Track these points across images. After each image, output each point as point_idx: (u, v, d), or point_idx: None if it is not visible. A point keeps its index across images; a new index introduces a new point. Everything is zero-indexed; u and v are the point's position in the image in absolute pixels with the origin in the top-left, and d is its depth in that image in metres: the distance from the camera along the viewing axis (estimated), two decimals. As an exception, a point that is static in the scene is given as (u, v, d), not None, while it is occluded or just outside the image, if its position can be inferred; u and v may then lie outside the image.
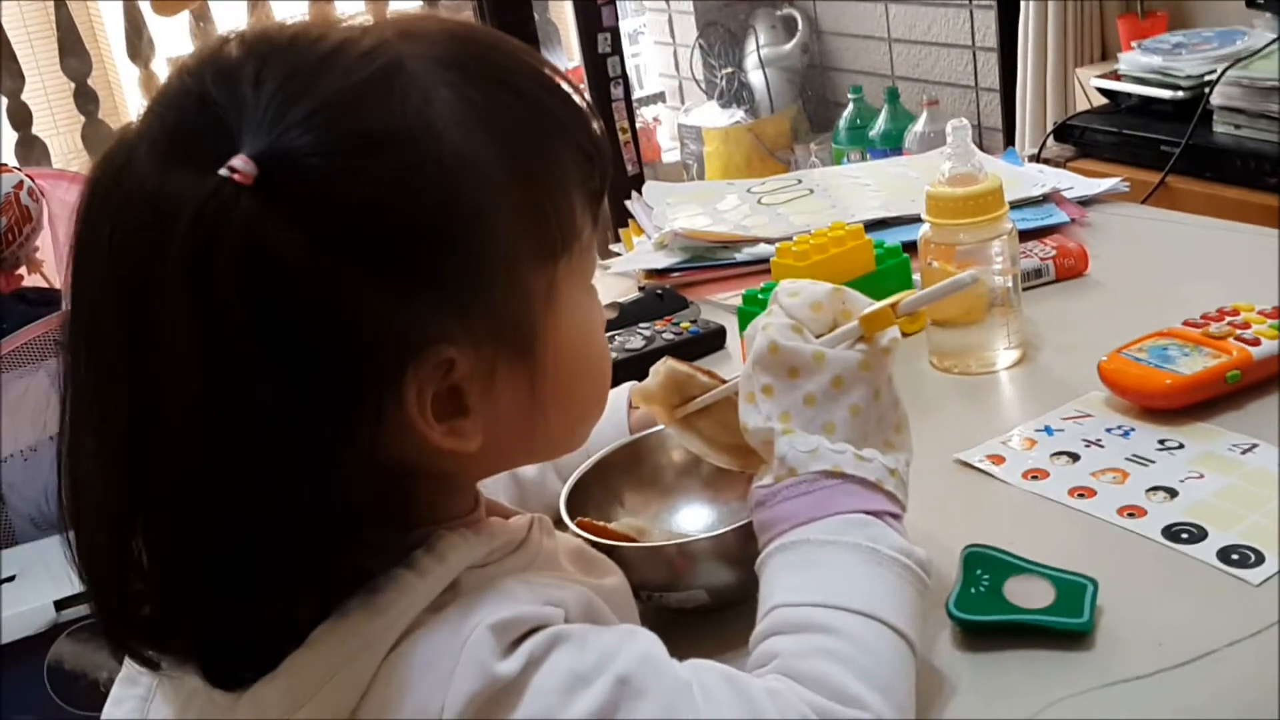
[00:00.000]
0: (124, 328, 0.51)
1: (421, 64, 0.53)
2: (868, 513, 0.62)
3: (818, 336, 0.67)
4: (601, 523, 0.74)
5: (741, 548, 0.68)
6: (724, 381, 0.73)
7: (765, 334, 0.66)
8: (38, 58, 3.16)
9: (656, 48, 3.64)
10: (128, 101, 3.91)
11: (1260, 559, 0.70)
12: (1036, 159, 1.97)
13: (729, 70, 3.30)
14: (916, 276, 1.05)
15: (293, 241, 0.49)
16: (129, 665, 0.63)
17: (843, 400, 0.65)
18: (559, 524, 0.72)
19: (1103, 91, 2.12)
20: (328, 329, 0.50)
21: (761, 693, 0.55)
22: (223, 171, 0.49)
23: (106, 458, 0.53)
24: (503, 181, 0.54)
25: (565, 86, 0.58)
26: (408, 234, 0.51)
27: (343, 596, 0.53)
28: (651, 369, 0.75)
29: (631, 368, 0.96)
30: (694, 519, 0.80)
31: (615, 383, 0.87)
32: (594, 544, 0.70)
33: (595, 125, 0.58)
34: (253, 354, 0.49)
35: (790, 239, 1.08)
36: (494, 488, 0.79)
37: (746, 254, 1.26)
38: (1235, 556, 0.71)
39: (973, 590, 0.68)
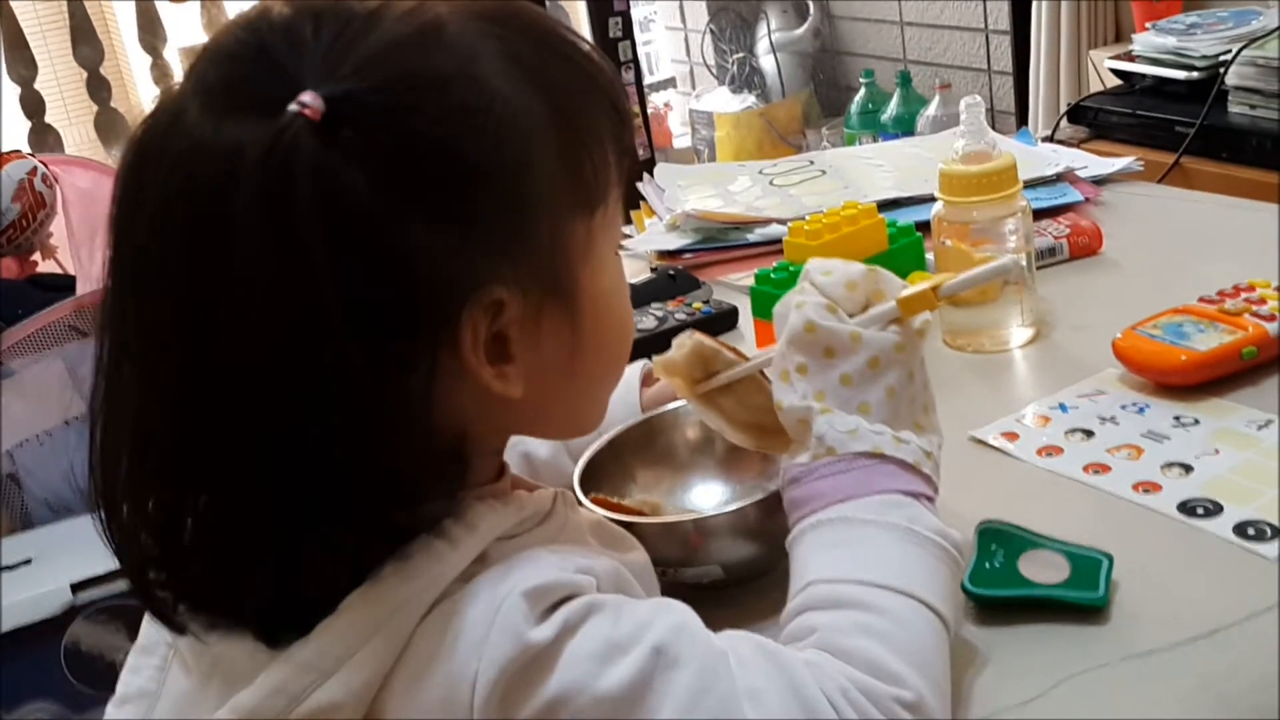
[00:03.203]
0: (187, 268, 0.51)
1: (463, 20, 0.55)
2: (906, 494, 0.62)
3: (851, 316, 0.67)
4: (615, 499, 0.74)
5: (757, 523, 0.68)
6: (749, 360, 0.73)
7: (800, 312, 0.66)
8: (49, 47, 3.17)
9: (667, 33, 3.63)
10: (139, 90, 3.92)
11: (1276, 533, 0.70)
12: (1050, 140, 1.96)
13: (740, 55, 3.29)
14: (930, 256, 1.05)
15: (356, 178, 0.51)
16: (145, 634, 0.64)
17: (879, 382, 0.64)
18: (573, 501, 0.72)
19: (1116, 73, 2.10)
20: (390, 265, 0.52)
21: (799, 664, 0.54)
22: (293, 107, 0.50)
23: (158, 404, 0.53)
24: (546, 129, 0.55)
25: (588, 48, 0.60)
26: (459, 173, 0.53)
27: (383, 555, 0.53)
28: (675, 341, 0.74)
29: (644, 348, 0.96)
30: (707, 496, 0.80)
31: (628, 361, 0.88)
32: (611, 519, 0.70)
33: (619, 84, 0.60)
34: (325, 287, 0.50)
35: (803, 219, 1.08)
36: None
37: (758, 234, 1.26)
38: (1251, 531, 0.71)
39: (987, 565, 0.68)
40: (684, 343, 0.74)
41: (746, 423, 0.72)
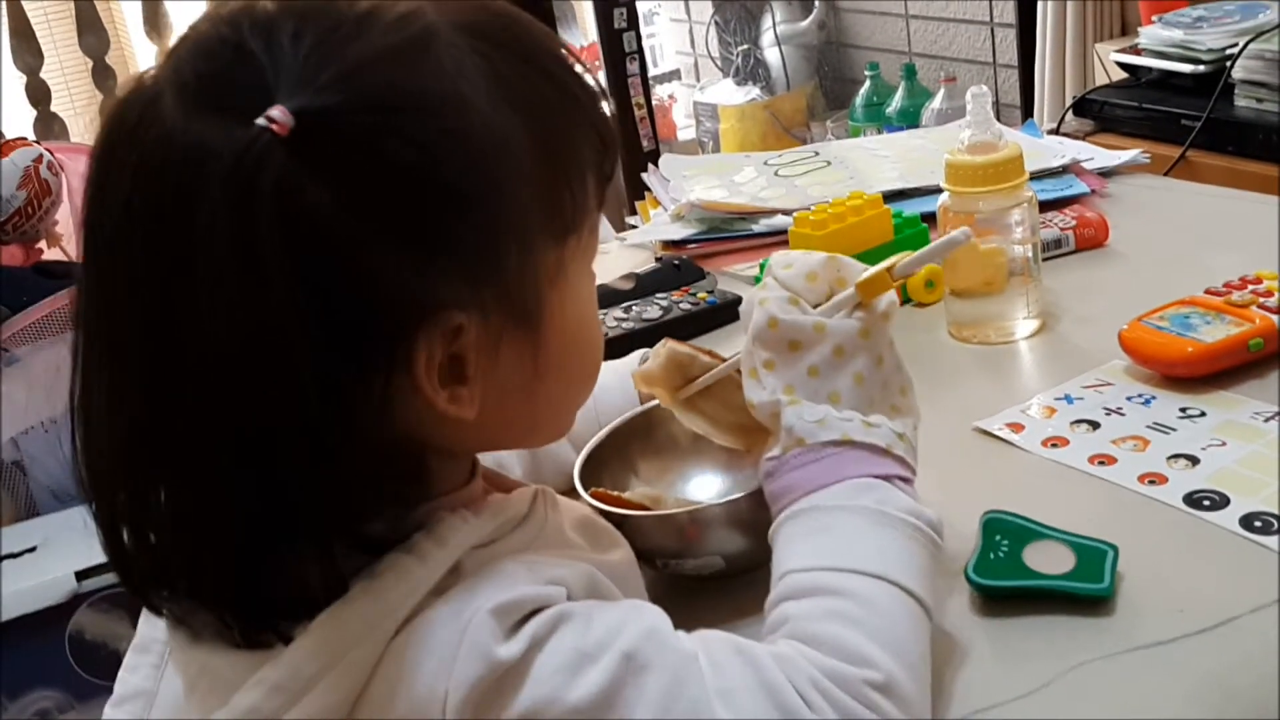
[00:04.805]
0: (149, 269, 0.51)
1: (453, 33, 0.54)
2: (876, 477, 0.62)
3: (815, 306, 0.66)
4: (616, 492, 0.74)
5: (755, 514, 0.68)
6: (724, 360, 0.73)
7: (763, 309, 0.66)
8: (55, 36, 3.17)
9: (672, 25, 3.63)
10: (144, 81, 3.90)
11: (1283, 525, 0.70)
12: (1055, 133, 1.96)
13: (745, 47, 3.28)
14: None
15: (321, 196, 0.50)
16: (141, 633, 0.64)
17: (846, 369, 0.64)
18: (573, 494, 0.71)
19: (1123, 66, 2.09)
20: (348, 283, 0.51)
21: (768, 658, 0.54)
22: (260, 121, 0.49)
23: (124, 405, 0.53)
24: (525, 156, 0.54)
25: (580, 69, 0.59)
26: (430, 198, 0.52)
27: (351, 565, 0.53)
28: (651, 351, 0.74)
29: (648, 337, 0.96)
30: (709, 486, 0.80)
31: (629, 351, 0.87)
32: (607, 514, 0.70)
33: (607, 109, 0.59)
34: (284, 301, 0.49)
35: (808, 209, 1.08)
36: (509, 460, 0.79)
37: (764, 225, 1.26)
38: (1258, 523, 0.70)
39: (992, 556, 0.68)
40: (658, 352, 0.74)
41: (732, 424, 0.73)
